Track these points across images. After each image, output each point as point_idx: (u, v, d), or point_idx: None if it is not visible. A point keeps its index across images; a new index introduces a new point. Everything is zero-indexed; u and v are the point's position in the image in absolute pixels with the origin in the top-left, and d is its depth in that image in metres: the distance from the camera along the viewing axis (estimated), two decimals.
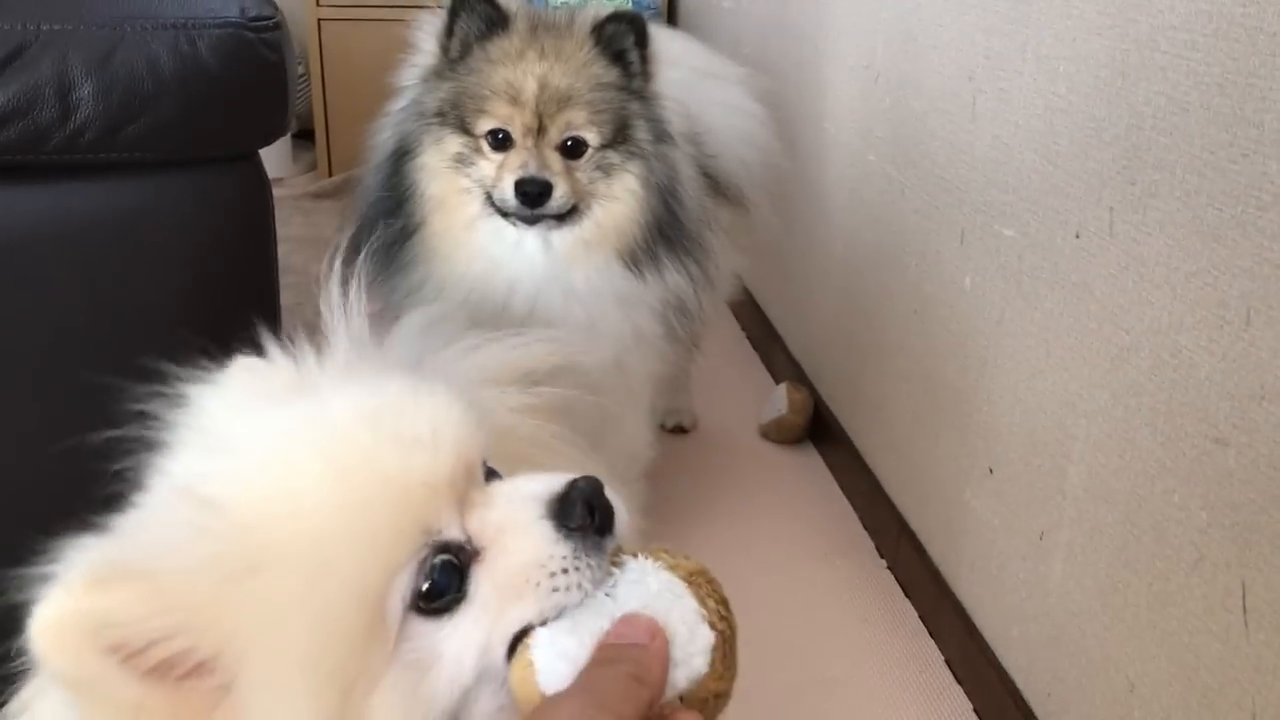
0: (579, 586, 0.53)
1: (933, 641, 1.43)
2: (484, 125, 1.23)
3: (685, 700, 0.52)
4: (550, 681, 0.51)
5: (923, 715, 1.31)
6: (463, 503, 0.54)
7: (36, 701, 0.53)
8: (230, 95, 1.00)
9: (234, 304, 1.02)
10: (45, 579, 0.48)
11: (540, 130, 1.22)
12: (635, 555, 0.56)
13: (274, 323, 1.13)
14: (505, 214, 1.24)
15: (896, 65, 1.54)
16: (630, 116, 1.26)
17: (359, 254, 1.12)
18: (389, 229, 1.26)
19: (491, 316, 1.23)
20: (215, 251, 1.05)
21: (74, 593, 0.46)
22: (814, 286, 1.95)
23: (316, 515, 0.50)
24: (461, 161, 1.25)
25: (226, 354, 0.61)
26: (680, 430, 1.94)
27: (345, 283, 0.66)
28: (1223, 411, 0.88)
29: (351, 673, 0.49)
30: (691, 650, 0.52)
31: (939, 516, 1.44)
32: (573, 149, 1.24)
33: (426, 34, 1.28)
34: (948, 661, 1.39)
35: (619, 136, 1.25)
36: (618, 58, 1.26)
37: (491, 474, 0.58)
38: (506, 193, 1.21)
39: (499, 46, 1.24)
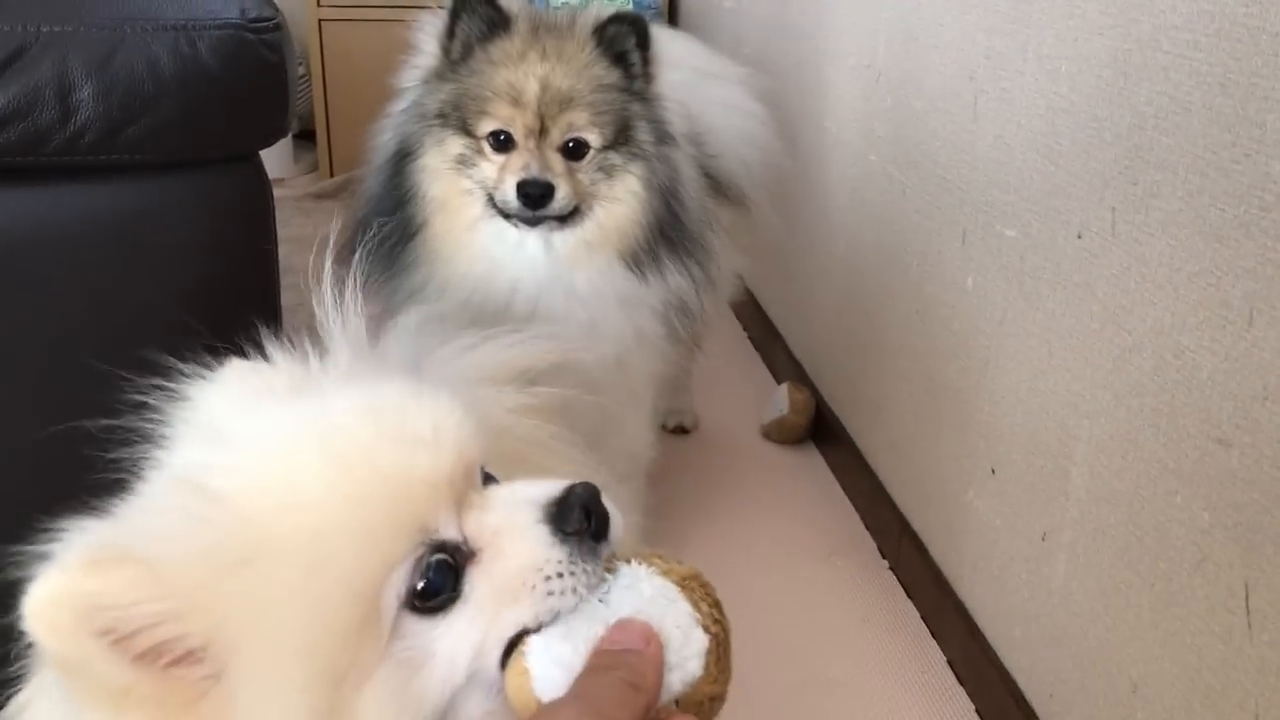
0: (574, 591, 0.53)
1: (935, 642, 1.42)
2: (485, 127, 1.23)
3: (681, 704, 0.52)
4: (546, 689, 0.51)
5: (925, 716, 1.31)
6: (461, 504, 0.54)
7: (36, 700, 0.53)
8: (230, 96, 1.00)
9: (235, 305, 1.02)
10: (43, 558, 0.48)
11: (542, 132, 1.22)
12: (628, 561, 0.56)
13: (275, 323, 1.13)
14: (507, 215, 1.23)
15: (898, 65, 1.54)
16: (632, 118, 1.26)
17: (356, 254, 1.12)
18: (390, 230, 1.26)
19: (493, 318, 1.23)
20: (216, 253, 1.05)
21: (69, 573, 0.46)
22: (815, 286, 1.95)
23: (315, 509, 0.50)
24: (463, 163, 1.25)
25: (228, 354, 0.62)
26: (681, 430, 1.94)
27: (341, 283, 0.66)
28: (1225, 412, 0.88)
29: (343, 667, 0.49)
30: (686, 654, 0.52)
31: (941, 517, 1.44)
32: (574, 150, 1.24)
33: (427, 35, 1.28)
34: (950, 662, 1.39)
35: (620, 138, 1.25)
36: (619, 59, 1.26)
37: (489, 479, 0.58)
38: (508, 194, 1.21)
39: (500, 48, 1.24)
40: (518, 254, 1.25)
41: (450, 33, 1.25)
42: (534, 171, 1.20)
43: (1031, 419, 1.18)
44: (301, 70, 3.06)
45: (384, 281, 1.28)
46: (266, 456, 0.53)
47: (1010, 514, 1.24)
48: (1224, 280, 0.88)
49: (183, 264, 1.03)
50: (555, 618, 0.53)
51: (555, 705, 0.49)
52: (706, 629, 0.53)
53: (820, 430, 1.89)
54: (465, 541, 0.54)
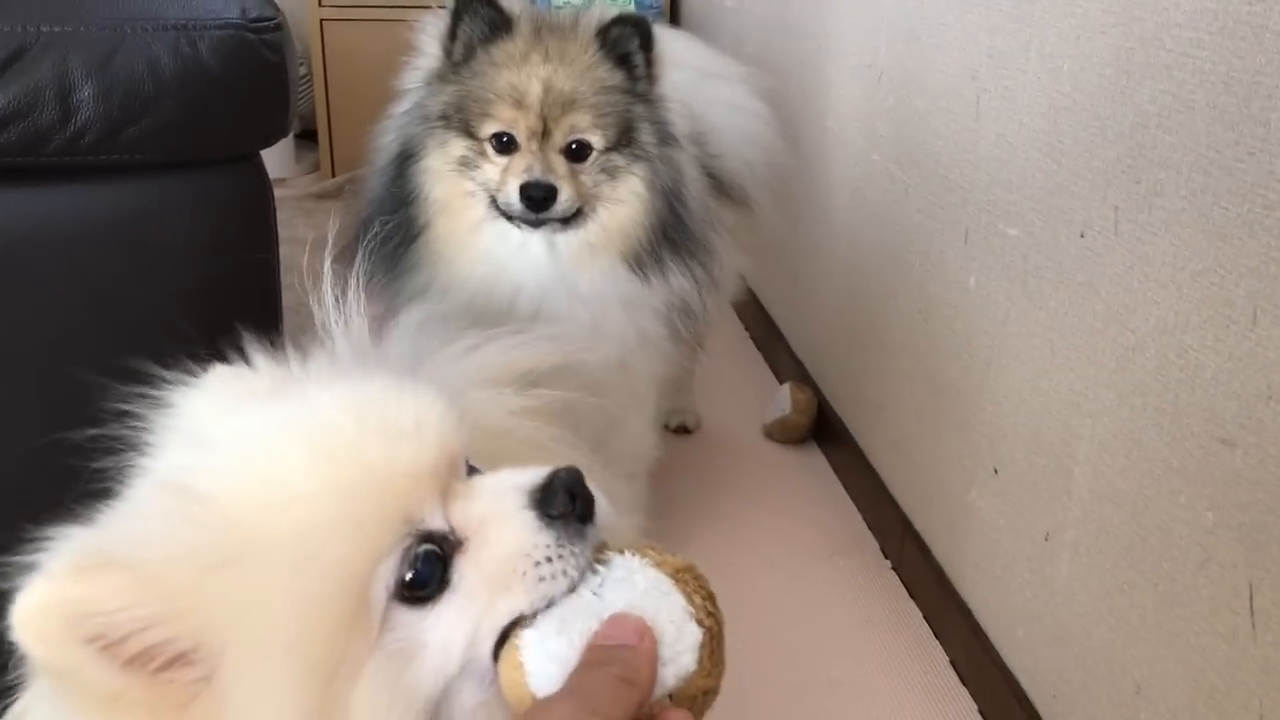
0: (565, 574, 0.53)
1: (937, 642, 1.42)
2: (488, 129, 1.23)
3: (674, 698, 0.52)
4: (540, 684, 0.51)
5: (927, 716, 1.30)
6: (445, 494, 0.55)
7: (33, 708, 0.53)
8: (231, 96, 1.00)
9: (236, 305, 1.02)
10: (30, 568, 0.48)
11: (545, 133, 1.22)
12: (622, 552, 0.56)
13: (276, 323, 1.13)
14: (510, 217, 1.23)
15: (900, 64, 1.54)
16: (635, 119, 1.25)
17: (357, 255, 1.12)
18: (392, 232, 1.25)
19: (496, 319, 1.23)
20: (216, 253, 1.05)
21: (55, 581, 0.46)
22: (817, 286, 1.95)
23: (300, 504, 0.50)
24: (466, 165, 1.24)
25: (226, 355, 0.62)
26: (684, 430, 1.94)
27: (343, 282, 0.67)
28: (1229, 411, 0.88)
29: (335, 661, 0.49)
30: (680, 649, 0.52)
31: (943, 517, 1.43)
32: (577, 152, 1.23)
33: (429, 36, 1.28)
34: (952, 662, 1.38)
35: (623, 139, 1.25)
36: (622, 61, 1.26)
37: (474, 472, 0.58)
38: (511, 196, 1.21)
39: (503, 49, 1.24)
40: (521, 256, 1.25)
41: (452, 34, 1.25)
42: (537, 174, 1.20)
43: (1034, 418, 1.18)
44: (303, 70, 3.06)
45: (386, 283, 1.28)
46: (249, 456, 0.53)
47: (1013, 514, 1.24)
48: (1228, 279, 0.87)
49: (183, 264, 1.03)
50: (549, 604, 0.53)
51: (549, 701, 0.49)
52: (700, 622, 0.53)
53: (822, 430, 1.89)
54: (452, 531, 0.54)
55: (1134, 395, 1.00)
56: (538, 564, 0.53)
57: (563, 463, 0.56)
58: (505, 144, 1.23)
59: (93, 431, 0.58)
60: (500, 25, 1.24)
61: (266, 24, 1.01)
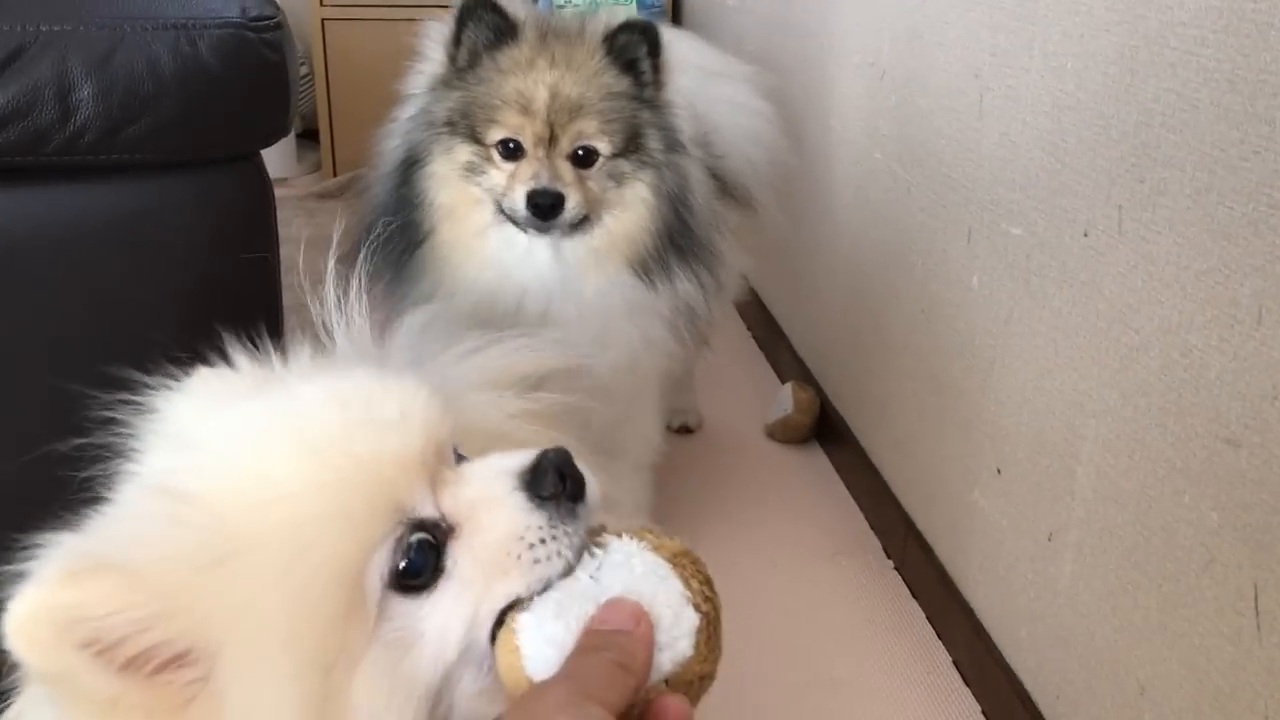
0: (559, 555, 0.53)
1: (940, 643, 1.42)
2: (495, 135, 1.23)
3: (670, 683, 0.52)
4: (536, 668, 0.51)
5: (930, 717, 1.30)
6: (435, 482, 0.55)
7: (28, 713, 0.53)
8: (231, 96, 1.00)
9: (236, 305, 1.02)
10: (21, 576, 0.48)
11: (551, 140, 1.21)
12: (620, 536, 0.55)
13: (276, 323, 1.13)
14: (516, 222, 1.23)
15: (902, 63, 1.53)
16: (642, 125, 1.25)
17: (360, 258, 1.12)
18: (396, 236, 1.25)
19: (501, 325, 1.22)
20: (217, 252, 1.05)
21: (46, 587, 0.46)
22: (820, 285, 1.94)
23: (289, 499, 0.50)
24: (472, 170, 1.24)
25: (208, 357, 0.62)
26: (685, 430, 1.94)
27: (346, 283, 0.67)
28: (1234, 411, 0.88)
29: (332, 654, 0.49)
30: (676, 634, 0.52)
31: (946, 517, 1.43)
32: (584, 158, 1.23)
33: (433, 42, 1.27)
34: (955, 663, 1.38)
35: (630, 145, 1.24)
36: (629, 67, 1.25)
37: (462, 460, 0.58)
38: (518, 203, 1.20)
39: (509, 55, 1.23)
40: (526, 261, 1.25)
41: (457, 40, 1.24)
42: (544, 181, 1.19)
43: (1037, 418, 1.18)
44: (304, 70, 3.06)
45: (391, 288, 1.27)
46: (235, 453, 0.53)
47: (1016, 514, 1.23)
48: (1232, 278, 0.87)
49: (183, 264, 1.03)
50: (545, 586, 0.53)
51: (545, 685, 0.49)
52: (697, 607, 0.53)
53: (825, 430, 1.89)
54: (443, 518, 0.54)
55: (1138, 395, 1.00)
56: (531, 546, 0.53)
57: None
58: (512, 150, 1.23)
59: (79, 440, 0.58)
60: (505, 31, 1.23)
61: (267, 23, 1.00)
